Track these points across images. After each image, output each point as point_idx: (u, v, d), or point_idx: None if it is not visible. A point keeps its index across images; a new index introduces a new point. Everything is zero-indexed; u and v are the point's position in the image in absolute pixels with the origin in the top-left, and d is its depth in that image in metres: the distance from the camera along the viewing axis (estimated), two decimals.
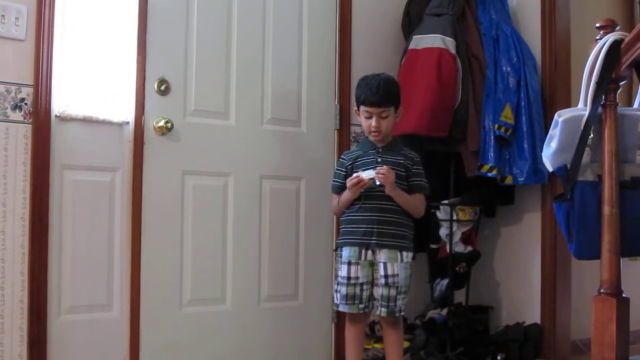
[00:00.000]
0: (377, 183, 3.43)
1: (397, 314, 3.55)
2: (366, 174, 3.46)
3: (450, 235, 4.41)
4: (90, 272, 3.71)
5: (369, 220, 3.52)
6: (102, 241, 3.75)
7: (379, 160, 3.54)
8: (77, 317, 3.66)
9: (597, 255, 2.85)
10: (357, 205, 3.56)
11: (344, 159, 3.70)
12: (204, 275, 4.04)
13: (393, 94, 3.58)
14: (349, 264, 3.53)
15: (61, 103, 3.60)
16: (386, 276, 3.49)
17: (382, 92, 3.52)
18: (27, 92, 3.51)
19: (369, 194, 3.52)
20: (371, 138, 3.58)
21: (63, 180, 3.63)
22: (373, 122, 3.51)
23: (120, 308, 3.79)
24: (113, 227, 3.78)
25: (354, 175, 3.50)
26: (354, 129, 4.51)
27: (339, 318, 4.30)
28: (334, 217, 4.35)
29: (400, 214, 3.54)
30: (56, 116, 3.58)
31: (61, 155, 3.61)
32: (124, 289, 3.79)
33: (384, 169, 3.43)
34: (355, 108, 3.65)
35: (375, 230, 3.50)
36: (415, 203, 3.58)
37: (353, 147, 4.18)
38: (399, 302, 3.52)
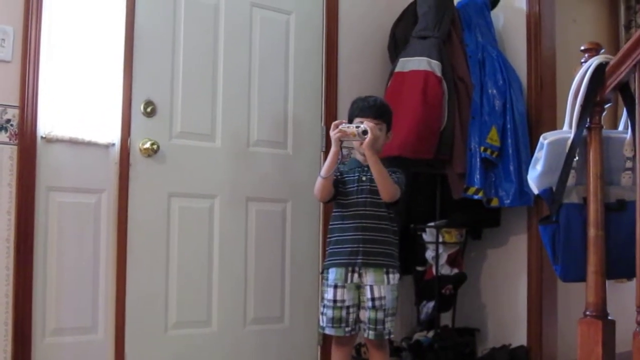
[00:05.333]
0: (362, 128, 3.36)
1: (385, 337, 3.54)
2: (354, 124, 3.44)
3: (437, 257, 4.41)
4: (75, 294, 3.68)
5: (354, 239, 3.50)
6: (88, 263, 3.73)
7: (364, 178, 3.53)
8: (61, 340, 3.64)
9: (582, 278, 2.85)
10: (341, 225, 3.57)
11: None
12: (190, 298, 4.02)
13: (387, 111, 3.61)
14: (335, 287, 3.52)
15: (47, 124, 3.60)
16: (373, 299, 3.48)
17: (378, 106, 3.56)
18: (12, 114, 3.50)
19: (354, 213, 3.53)
20: (361, 151, 3.57)
21: (48, 202, 3.61)
22: None
23: (105, 330, 3.76)
24: (98, 249, 3.76)
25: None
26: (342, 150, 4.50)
27: (325, 341, 4.28)
28: (320, 240, 4.38)
29: (385, 232, 3.53)
30: (42, 137, 3.58)
31: (47, 177, 3.60)
32: (109, 312, 3.77)
33: (372, 124, 3.41)
34: None
35: (361, 249, 3.48)
36: (390, 179, 3.46)
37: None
38: (387, 325, 3.50)
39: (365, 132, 3.37)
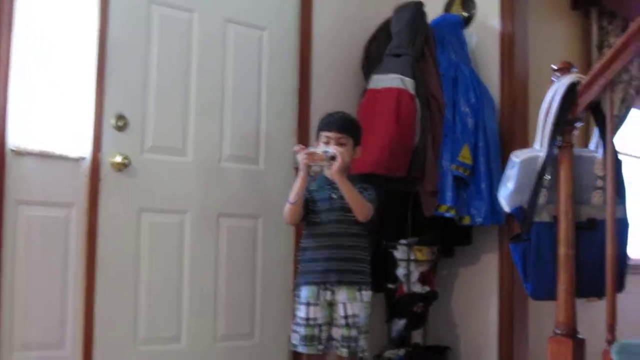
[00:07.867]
0: (330, 153, 3.41)
1: (359, 354, 3.53)
2: (321, 148, 3.48)
3: (408, 275, 4.40)
4: (43, 309, 3.64)
5: (326, 258, 3.51)
6: (56, 278, 3.69)
7: (334, 196, 3.53)
8: (29, 355, 3.59)
9: (553, 296, 2.86)
10: (313, 244, 3.56)
11: None
12: (160, 313, 3.99)
13: (353, 125, 3.64)
14: (308, 304, 3.52)
15: (16, 137, 3.56)
16: (346, 317, 3.48)
17: (342, 120, 3.59)
18: None
19: (326, 231, 3.54)
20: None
21: (17, 216, 3.57)
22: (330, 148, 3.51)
23: (73, 346, 3.72)
24: (67, 264, 3.72)
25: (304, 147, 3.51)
26: (313, 168, 4.48)
27: (296, 358, 4.26)
28: (292, 256, 4.34)
29: (357, 249, 3.55)
30: (11, 150, 3.54)
31: (16, 190, 3.56)
32: (77, 327, 3.73)
33: (339, 149, 3.44)
34: (316, 142, 3.65)
35: (334, 268, 3.49)
36: (362, 200, 3.49)
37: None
38: (360, 342, 3.51)
39: (333, 158, 3.38)
